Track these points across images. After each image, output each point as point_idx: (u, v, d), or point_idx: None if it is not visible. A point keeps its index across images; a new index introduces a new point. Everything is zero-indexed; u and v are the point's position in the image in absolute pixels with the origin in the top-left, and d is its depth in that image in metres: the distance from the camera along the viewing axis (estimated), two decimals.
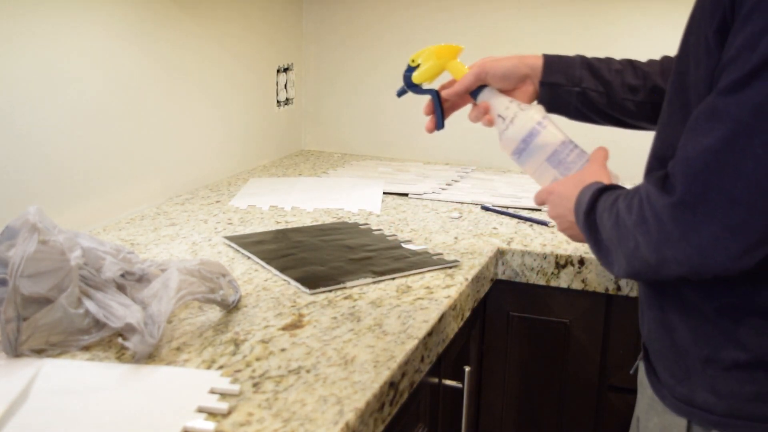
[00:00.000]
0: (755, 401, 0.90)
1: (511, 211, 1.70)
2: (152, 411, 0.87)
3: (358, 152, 2.30)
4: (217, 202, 1.74)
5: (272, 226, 1.57)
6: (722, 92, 0.82)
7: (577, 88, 1.22)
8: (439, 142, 2.18)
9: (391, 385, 0.98)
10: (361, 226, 1.57)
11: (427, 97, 1.27)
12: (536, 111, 1.20)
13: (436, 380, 1.27)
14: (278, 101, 2.19)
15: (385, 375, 0.97)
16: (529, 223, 1.63)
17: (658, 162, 0.97)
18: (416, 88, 1.26)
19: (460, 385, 1.32)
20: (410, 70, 1.25)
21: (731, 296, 0.91)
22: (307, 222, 1.60)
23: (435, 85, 1.27)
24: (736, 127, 0.80)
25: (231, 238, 1.46)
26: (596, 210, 0.99)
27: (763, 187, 0.80)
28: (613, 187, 1.01)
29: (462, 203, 1.79)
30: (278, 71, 2.17)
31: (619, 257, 0.94)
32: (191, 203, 1.73)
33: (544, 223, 1.62)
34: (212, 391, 0.91)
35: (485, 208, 1.73)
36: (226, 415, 0.87)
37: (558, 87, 1.22)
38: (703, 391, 0.94)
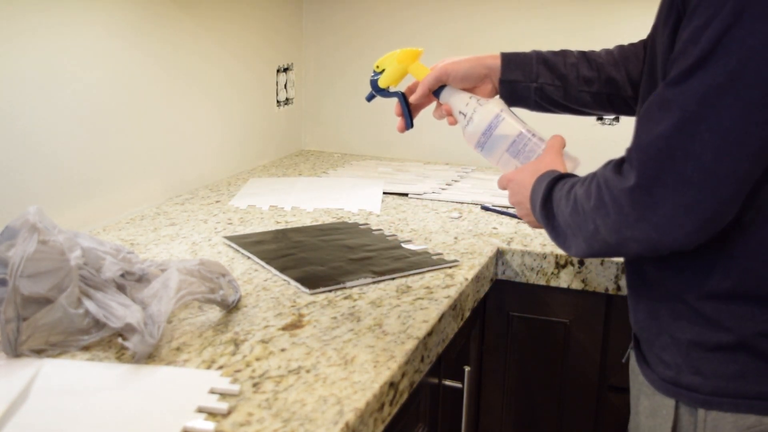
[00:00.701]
0: (738, 379, 0.96)
1: (511, 211, 1.70)
2: (152, 411, 0.87)
3: (358, 152, 2.30)
4: (217, 202, 1.74)
5: (272, 226, 1.57)
6: (670, 84, 0.89)
7: (535, 83, 1.28)
8: (438, 142, 2.18)
9: (391, 385, 0.98)
10: (361, 226, 1.57)
11: (396, 100, 1.32)
12: (495, 104, 1.26)
13: (436, 380, 1.27)
14: (278, 101, 2.19)
15: (385, 375, 0.97)
16: None
17: None
18: (383, 92, 1.32)
19: (460, 385, 1.32)
20: (376, 75, 1.31)
21: (710, 284, 0.96)
22: (307, 222, 1.60)
23: (401, 87, 1.32)
24: (684, 114, 0.87)
25: (231, 238, 1.46)
26: (552, 198, 1.06)
27: (711, 169, 0.86)
28: (568, 176, 1.08)
29: (462, 203, 1.79)
30: (278, 71, 2.17)
31: (578, 240, 1.01)
32: (191, 203, 1.73)
33: None
34: (212, 391, 0.91)
35: (485, 208, 1.73)
36: (225, 415, 0.87)
37: (516, 84, 1.28)
38: (689, 373, 0.99)
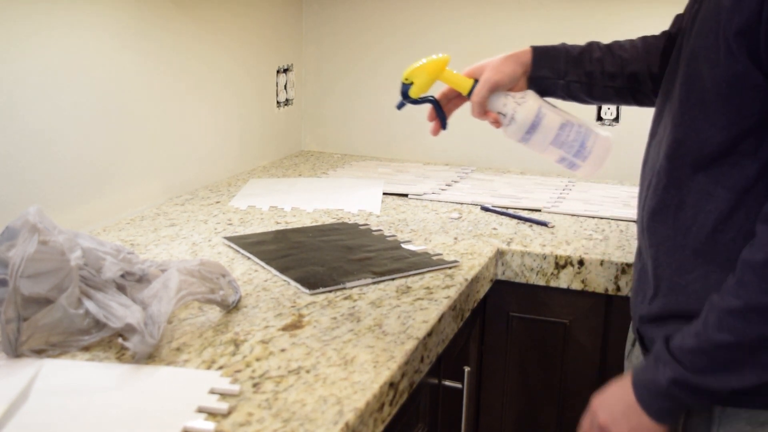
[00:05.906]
0: None
1: (510, 211, 1.70)
2: (152, 411, 0.87)
3: (357, 153, 2.30)
4: (217, 202, 1.74)
5: (272, 227, 1.57)
6: None
7: (562, 80, 1.30)
8: (438, 143, 2.18)
9: (391, 385, 0.98)
10: (361, 227, 1.57)
11: (429, 107, 1.35)
12: (533, 100, 1.29)
13: (435, 380, 1.27)
14: (278, 102, 2.19)
15: (384, 375, 0.97)
16: (528, 223, 1.64)
17: (669, 162, 1.01)
18: (415, 101, 1.34)
19: (459, 386, 1.32)
20: (406, 86, 1.32)
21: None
22: (307, 222, 1.60)
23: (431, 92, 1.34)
24: None
25: (231, 239, 1.46)
26: (684, 348, 0.95)
27: None
28: (668, 338, 0.97)
29: (462, 204, 1.79)
30: (278, 72, 2.17)
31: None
32: (191, 204, 1.73)
33: (543, 224, 1.62)
34: (212, 392, 0.91)
35: (485, 209, 1.73)
36: (226, 415, 0.87)
37: (545, 80, 1.31)
38: None
